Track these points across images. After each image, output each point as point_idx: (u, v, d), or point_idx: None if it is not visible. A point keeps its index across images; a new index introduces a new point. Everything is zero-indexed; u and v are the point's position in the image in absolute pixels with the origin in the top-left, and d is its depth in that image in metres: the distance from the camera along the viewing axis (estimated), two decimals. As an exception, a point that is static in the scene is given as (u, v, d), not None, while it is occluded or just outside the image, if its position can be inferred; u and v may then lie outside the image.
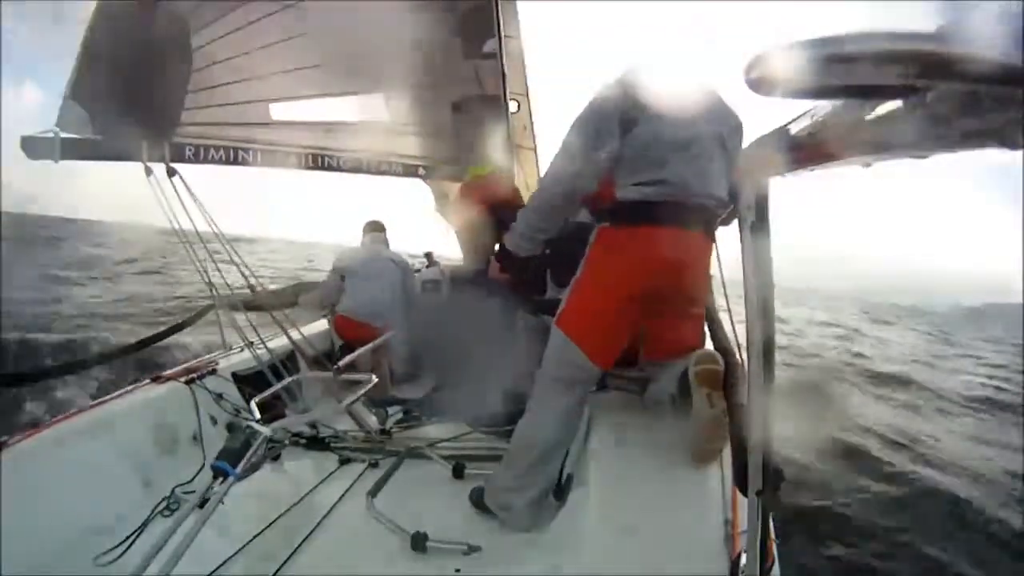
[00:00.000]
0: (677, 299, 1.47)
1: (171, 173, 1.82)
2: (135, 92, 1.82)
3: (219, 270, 2.05)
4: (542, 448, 1.45)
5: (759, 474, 0.69)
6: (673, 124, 1.36)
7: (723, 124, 1.45)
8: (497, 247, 1.60)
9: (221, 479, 1.29)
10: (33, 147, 1.66)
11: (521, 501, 1.45)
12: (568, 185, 1.41)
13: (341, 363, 2.14)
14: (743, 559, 0.82)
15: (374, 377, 1.90)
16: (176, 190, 1.80)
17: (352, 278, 3.05)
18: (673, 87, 1.38)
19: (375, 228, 3.32)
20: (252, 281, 2.16)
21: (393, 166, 2.53)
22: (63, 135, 1.68)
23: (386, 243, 3.31)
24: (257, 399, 1.71)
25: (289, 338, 2.36)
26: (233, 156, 2.01)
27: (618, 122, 1.36)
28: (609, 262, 1.42)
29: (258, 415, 1.56)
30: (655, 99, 1.37)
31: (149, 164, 1.79)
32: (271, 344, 2.37)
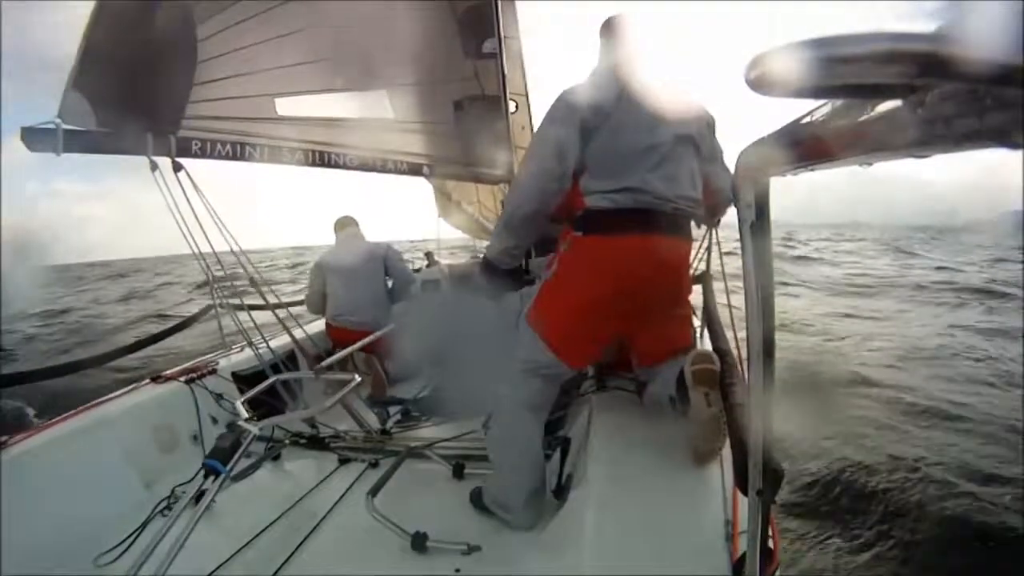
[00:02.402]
0: (656, 304, 1.47)
1: (177, 168, 1.78)
2: (140, 83, 1.76)
3: (223, 268, 2.05)
4: (520, 441, 1.46)
5: (759, 474, 0.69)
6: (636, 129, 1.35)
7: (691, 124, 1.44)
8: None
9: (213, 477, 1.30)
10: (34, 139, 1.58)
11: (518, 499, 1.45)
12: (533, 205, 1.41)
13: (323, 363, 2.14)
14: (746, 560, 0.82)
15: (357, 377, 1.90)
16: (182, 185, 1.77)
17: (332, 280, 2.99)
18: (636, 90, 1.36)
19: (346, 224, 3.20)
20: (254, 275, 2.15)
21: (399, 164, 2.52)
22: (65, 127, 1.60)
23: (360, 236, 3.19)
24: (243, 399, 1.72)
25: (292, 337, 2.36)
26: (240, 152, 1.97)
27: (578, 131, 1.35)
28: (580, 269, 1.42)
29: (245, 414, 1.57)
30: (616, 105, 1.36)
31: (154, 158, 1.74)
32: (272, 343, 2.37)
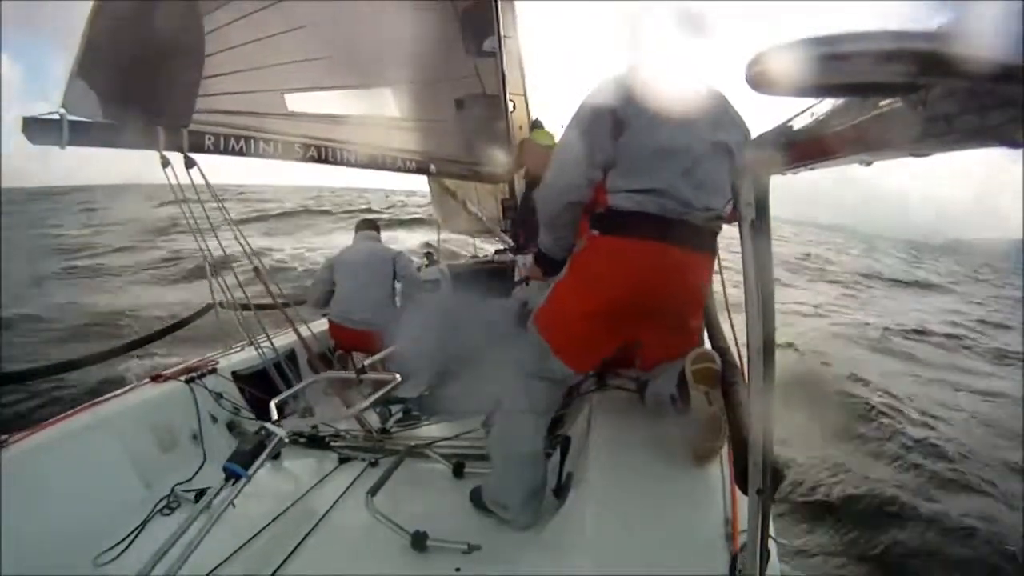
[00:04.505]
0: (667, 315, 1.43)
1: (189, 164, 1.72)
2: (149, 73, 1.67)
3: (233, 270, 2.04)
4: (521, 443, 1.46)
5: (759, 473, 0.69)
6: (669, 129, 1.30)
7: (729, 133, 1.37)
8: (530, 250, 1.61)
9: (233, 481, 1.29)
10: (36, 131, 1.44)
11: (517, 498, 1.45)
12: (563, 203, 1.40)
13: (365, 363, 2.18)
14: (743, 558, 0.82)
15: (398, 376, 1.90)
16: (193, 182, 1.72)
17: (341, 279, 3.01)
18: (672, 90, 1.32)
19: (367, 227, 3.28)
20: (256, 263, 2.14)
21: (407, 162, 2.51)
22: (71, 118, 1.46)
23: (375, 239, 3.26)
24: (276, 400, 1.70)
25: (297, 334, 2.36)
26: (254, 147, 1.93)
27: (610, 126, 1.31)
28: (594, 271, 1.39)
29: (276, 416, 1.55)
30: (650, 101, 1.31)
31: (166, 154, 1.68)
32: (271, 342, 2.36)
